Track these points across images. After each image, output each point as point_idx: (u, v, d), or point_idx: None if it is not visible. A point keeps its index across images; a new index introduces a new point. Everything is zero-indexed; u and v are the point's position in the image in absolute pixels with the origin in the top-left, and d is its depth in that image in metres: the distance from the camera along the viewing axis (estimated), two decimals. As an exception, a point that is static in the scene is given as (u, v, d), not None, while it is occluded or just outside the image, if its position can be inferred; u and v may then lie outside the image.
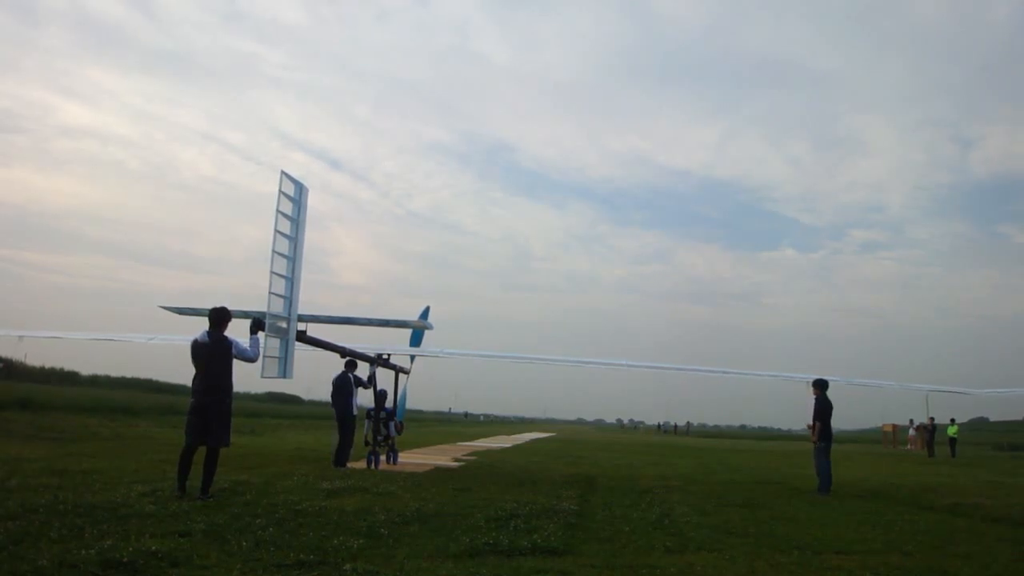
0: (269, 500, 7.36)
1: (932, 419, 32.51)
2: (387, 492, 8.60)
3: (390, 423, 13.21)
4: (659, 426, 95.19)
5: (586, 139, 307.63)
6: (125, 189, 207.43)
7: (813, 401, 11.89)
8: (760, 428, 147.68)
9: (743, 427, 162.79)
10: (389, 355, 13.92)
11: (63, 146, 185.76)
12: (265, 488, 8.33)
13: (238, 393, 8.54)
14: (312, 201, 9.46)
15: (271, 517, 6.33)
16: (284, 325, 9.05)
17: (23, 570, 4.14)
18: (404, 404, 15.56)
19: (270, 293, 8.64)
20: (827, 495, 11.12)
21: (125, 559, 4.44)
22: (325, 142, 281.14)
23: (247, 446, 15.71)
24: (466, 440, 28.15)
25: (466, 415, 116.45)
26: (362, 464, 12.22)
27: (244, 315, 9.08)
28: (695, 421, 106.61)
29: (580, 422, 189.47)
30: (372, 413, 12.96)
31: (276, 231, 8.74)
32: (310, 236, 9.49)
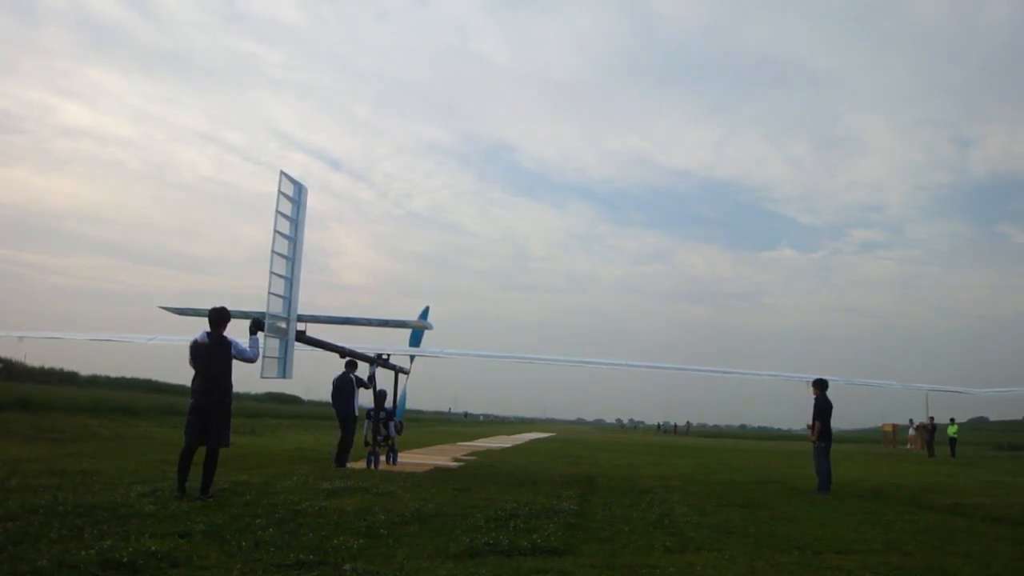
0: (269, 500, 7.35)
1: (932, 419, 32.56)
2: (387, 492, 8.60)
3: (390, 423, 13.21)
4: (659, 426, 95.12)
5: (586, 139, 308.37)
6: (125, 189, 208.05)
7: (813, 401, 11.91)
8: (760, 428, 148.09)
9: (743, 427, 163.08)
10: (389, 355, 13.91)
11: (63, 146, 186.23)
12: (265, 488, 8.33)
13: (238, 393, 8.53)
14: (312, 201, 9.47)
15: (271, 517, 6.33)
16: (284, 325, 9.05)
17: (23, 570, 4.13)
18: (404, 404, 15.56)
19: (269, 293, 8.63)
20: (827, 495, 11.13)
21: (125, 559, 4.43)
22: (325, 142, 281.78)
23: (247, 446, 15.70)
24: (466, 440, 28.14)
25: (466, 415, 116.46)
26: (362, 464, 12.22)
27: (244, 315, 9.07)
28: (695, 421, 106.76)
29: (580, 422, 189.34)
30: (372, 413, 12.97)
31: (275, 231, 8.73)
32: (310, 236, 9.50)
